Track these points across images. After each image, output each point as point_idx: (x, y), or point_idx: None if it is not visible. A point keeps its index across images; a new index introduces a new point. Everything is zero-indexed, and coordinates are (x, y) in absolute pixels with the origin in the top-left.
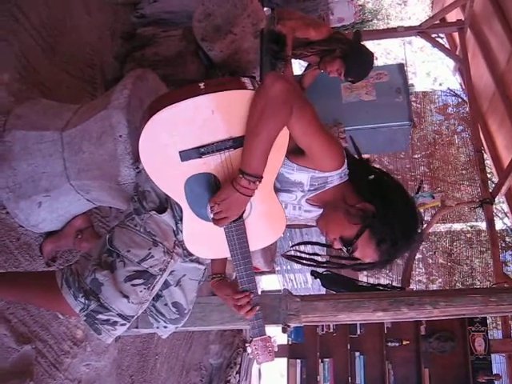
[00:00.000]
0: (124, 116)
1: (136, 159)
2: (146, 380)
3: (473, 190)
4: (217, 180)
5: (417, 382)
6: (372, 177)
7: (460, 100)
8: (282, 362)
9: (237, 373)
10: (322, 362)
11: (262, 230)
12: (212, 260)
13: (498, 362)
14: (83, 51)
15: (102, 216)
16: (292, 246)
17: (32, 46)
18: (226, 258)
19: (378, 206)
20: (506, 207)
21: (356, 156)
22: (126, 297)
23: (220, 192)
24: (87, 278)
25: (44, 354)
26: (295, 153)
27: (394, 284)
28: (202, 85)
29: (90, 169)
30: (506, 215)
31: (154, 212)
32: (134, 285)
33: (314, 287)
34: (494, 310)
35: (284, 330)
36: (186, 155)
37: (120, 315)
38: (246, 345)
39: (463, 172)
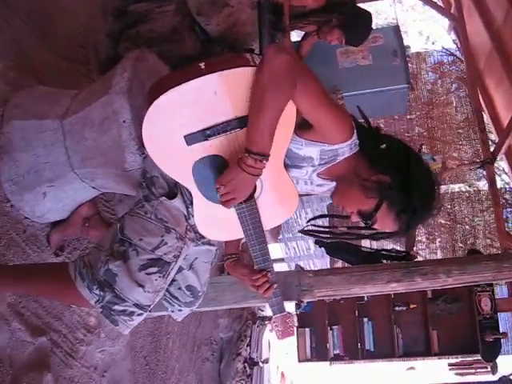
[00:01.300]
0: (126, 100)
1: (142, 144)
2: (159, 360)
3: (468, 149)
4: (225, 161)
5: (425, 344)
6: (384, 146)
7: (455, 58)
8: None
9: (247, 345)
10: (330, 329)
11: (274, 208)
12: (225, 241)
13: (503, 320)
14: (75, 32)
15: (105, 200)
16: (308, 221)
17: (23, 32)
18: (239, 239)
19: (394, 177)
20: (505, 165)
21: (365, 125)
22: (142, 286)
23: (226, 173)
24: (100, 269)
25: (59, 344)
26: (303, 127)
27: (398, 248)
28: (202, 65)
29: (94, 156)
30: (505, 172)
31: (164, 198)
32: (148, 273)
33: (317, 254)
34: (507, 276)
35: (298, 306)
36: (191, 139)
37: (136, 305)
38: (266, 323)
39: (460, 131)
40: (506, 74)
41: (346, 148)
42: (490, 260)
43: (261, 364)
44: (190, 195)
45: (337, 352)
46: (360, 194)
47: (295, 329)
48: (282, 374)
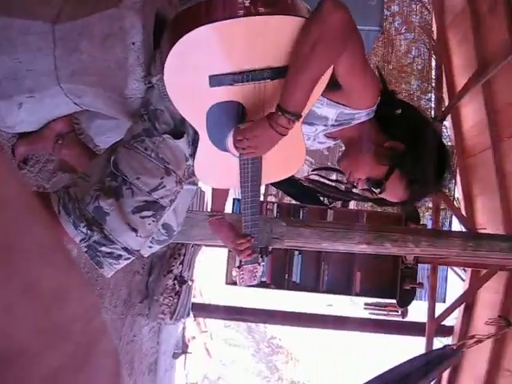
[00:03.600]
0: (139, 20)
1: (148, 72)
2: (98, 275)
3: (417, 102)
4: (244, 110)
5: (348, 283)
6: (399, 111)
7: (422, 7)
8: (223, 253)
9: (180, 263)
10: (261, 257)
11: (278, 164)
12: (213, 198)
13: (421, 270)
14: None
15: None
16: (313, 170)
17: None
18: (226, 197)
19: (408, 144)
20: (448, 123)
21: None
22: (135, 230)
23: (252, 126)
24: (89, 206)
25: None
26: (329, 86)
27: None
28: (247, 2)
29: (88, 73)
30: (447, 130)
31: (168, 136)
32: (142, 217)
33: None
34: (470, 255)
35: (265, 253)
36: (216, 81)
37: (125, 249)
38: (233, 268)
39: (413, 83)
40: (473, 34)
41: (363, 113)
42: (458, 237)
43: (190, 283)
44: (194, 134)
45: (264, 279)
46: (371, 160)
47: (258, 279)
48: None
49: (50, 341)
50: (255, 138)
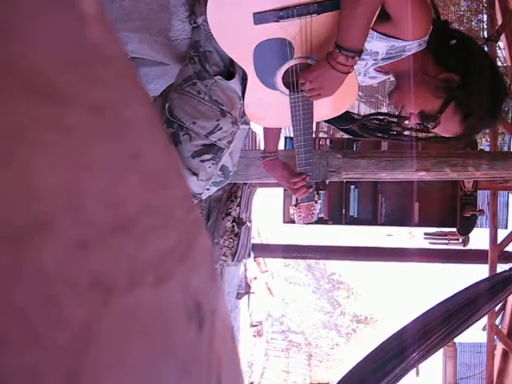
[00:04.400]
0: None
1: (192, 12)
2: None
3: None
4: (291, 47)
5: (406, 214)
6: (454, 42)
7: None
8: (279, 192)
9: (237, 205)
10: (317, 193)
11: (330, 101)
12: (265, 138)
13: (481, 196)
14: None
15: None
16: (364, 117)
17: None
18: (279, 137)
19: (465, 76)
20: (502, 44)
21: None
22: (196, 174)
23: (313, 68)
24: None
25: None
26: (379, 18)
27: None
28: None
29: (131, 19)
30: (501, 49)
31: (220, 77)
32: (202, 161)
33: None
34: None
35: (323, 187)
36: (261, 18)
37: None
38: (290, 207)
39: (461, 4)
40: None
41: (415, 44)
42: None
43: (248, 224)
44: (244, 74)
45: (321, 216)
46: (425, 93)
47: (316, 216)
48: None
49: (158, 220)
50: (318, 79)
